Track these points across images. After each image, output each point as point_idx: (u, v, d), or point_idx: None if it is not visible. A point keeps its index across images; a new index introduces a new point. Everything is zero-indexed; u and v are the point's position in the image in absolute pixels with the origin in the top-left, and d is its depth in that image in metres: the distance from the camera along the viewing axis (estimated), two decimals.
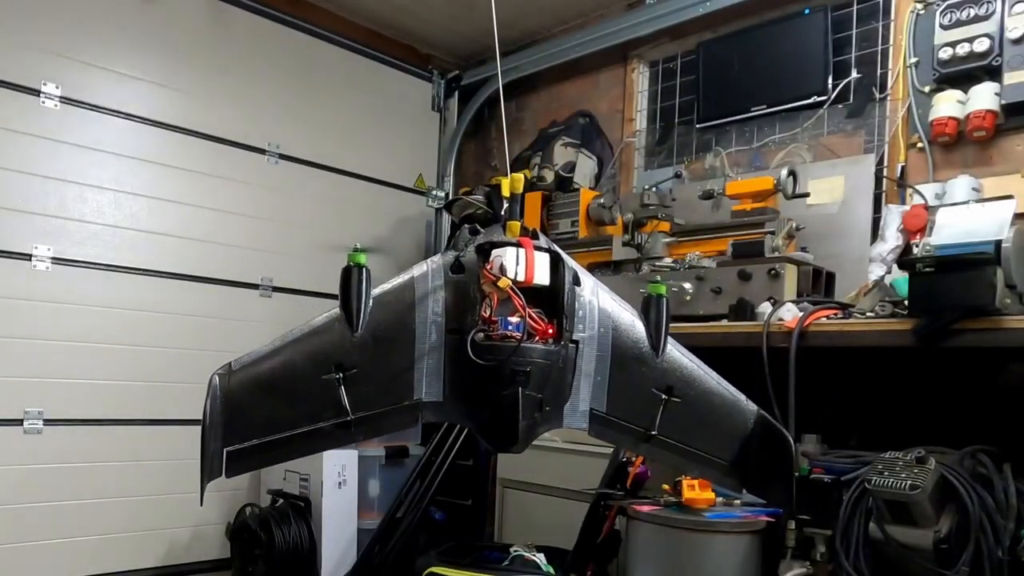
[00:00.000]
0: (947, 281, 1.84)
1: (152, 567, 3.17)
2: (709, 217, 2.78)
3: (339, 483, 3.09)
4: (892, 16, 2.74)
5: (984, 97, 2.43)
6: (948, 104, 2.50)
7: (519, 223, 1.33)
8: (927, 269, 1.87)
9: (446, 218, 4.10)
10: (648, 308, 1.41)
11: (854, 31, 2.85)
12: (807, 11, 2.93)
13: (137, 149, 3.14)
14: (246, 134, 3.45)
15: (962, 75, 2.50)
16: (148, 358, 3.15)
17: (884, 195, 2.68)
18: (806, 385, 2.05)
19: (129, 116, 3.12)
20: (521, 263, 1.26)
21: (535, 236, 1.34)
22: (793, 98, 2.95)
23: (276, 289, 3.53)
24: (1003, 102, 2.40)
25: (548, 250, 1.33)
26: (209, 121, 3.34)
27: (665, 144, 3.45)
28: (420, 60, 4.17)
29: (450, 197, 4.14)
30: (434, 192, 4.16)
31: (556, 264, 1.32)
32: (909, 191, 2.55)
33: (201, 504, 1.28)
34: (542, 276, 1.29)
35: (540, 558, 2.35)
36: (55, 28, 2.93)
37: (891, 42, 2.74)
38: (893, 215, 2.48)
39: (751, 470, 1.47)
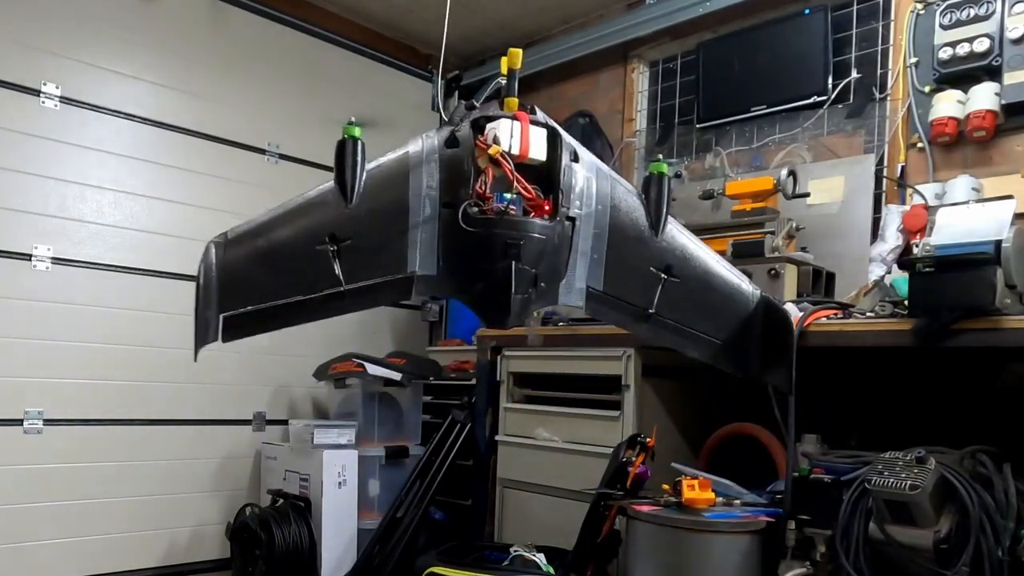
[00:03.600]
0: (947, 281, 1.84)
1: (152, 567, 3.17)
2: (709, 217, 2.77)
3: (339, 483, 3.09)
4: (892, 16, 2.74)
5: (984, 97, 2.43)
6: (948, 104, 2.50)
7: (516, 99, 1.30)
8: (927, 269, 1.87)
9: None
10: (648, 187, 1.40)
11: (854, 31, 2.85)
12: (807, 11, 2.94)
13: (137, 149, 3.14)
14: (246, 134, 3.46)
15: (962, 75, 2.51)
16: (148, 358, 3.15)
17: (884, 195, 2.68)
18: (806, 385, 2.05)
19: (129, 116, 3.12)
20: (516, 135, 1.25)
21: (532, 111, 1.32)
22: (793, 98, 2.95)
23: None
24: (1003, 102, 2.41)
25: (545, 125, 1.31)
26: (209, 121, 3.34)
27: (665, 144, 3.45)
28: (420, 60, 4.17)
29: None
30: None
31: (554, 140, 1.30)
32: (909, 191, 2.55)
33: (195, 359, 1.27)
34: (538, 151, 1.27)
35: (540, 558, 2.35)
36: (55, 28, 2.93)
37: (891, 42, 2.74)
38: (893, 215, 2.48)
39: (751, 352, 1.47)
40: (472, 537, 2.95)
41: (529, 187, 1.25)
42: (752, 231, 2.54)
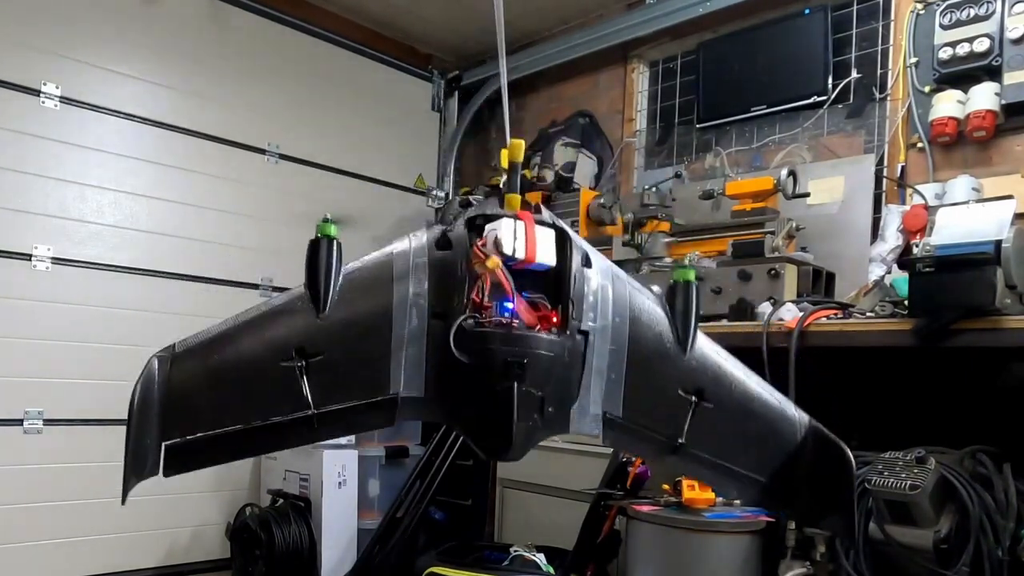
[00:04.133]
0: (947, 281, 1.84)
1: (152, 567, 3.17)
2: (709, 217, 2.78)
3: (339, 483, 3.09)
4: (892, 16, 2.74)
5: (984, 97, 2.43)
6: (948, 104, 2.50)
7: (519, 196, 1.14)
8: (927, 269, 1.87)
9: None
10: (674, 297, 1.21)
11: (854, 31, 2.85)
12: (807, 11, 2.93)
13: (137, 149, 3.14)
14: (246, 134, 3.45)
15: (962, 75, 2.50)
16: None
17: (884, 195, 2.68)
18: (806, 385, 2.05)
19: (129, 116, 3.12)
20: (520, 238, 1.08)
21: (537, 210, 1.15)
22: (793, 98, 2.95)
23: (276, 289, 3.53)
24: (1003, 102, 2.40)
25: (553, 225, 1.14)
26: (209, 121, 3.34)
27: (665, 144, 3.46)
28: (420, 60, 4.17)
29: (450, 197, 4.15)
30: (434, 192, 4.16)
31: (562, 242, 1.14)
32: (909, 191, 2.55)
33: (123, 503, 1.12)
34: (545, 255, 1.11)
35: (540, 558, 2.35)
36: (55, 28, 2.93)
37: (891, 42, 2.74)
38: (893, 215, 2.48)
39: (800, 492, 1.25)
40: (472, 537, 2.95)
41: (537, 302, 1.09)
42: (752, 231, 2.54)
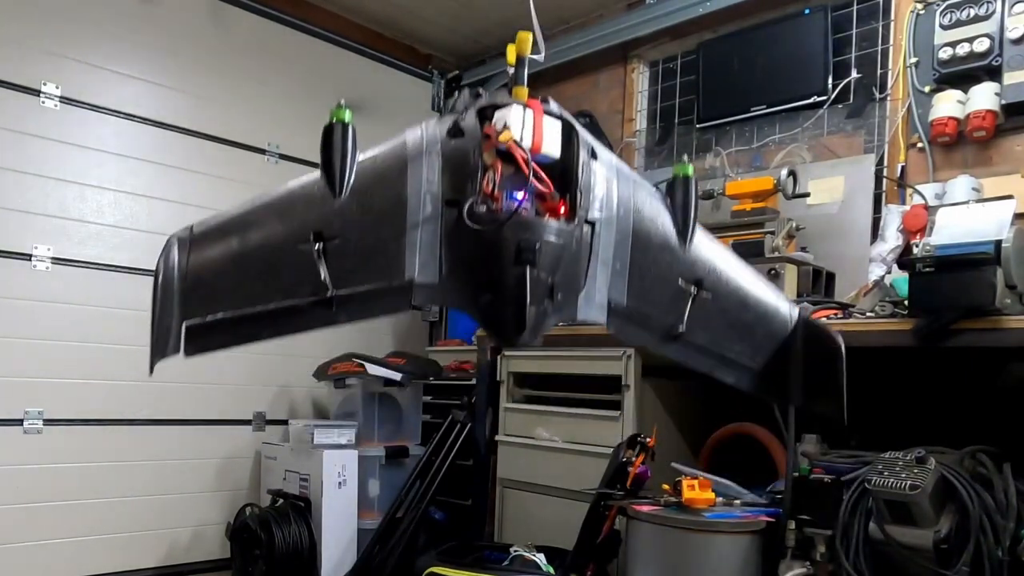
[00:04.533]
0: (947, 281, 1.84)
1: (152, 567, 3.17)
2: (709, 217, 2.77)
3: (339, 483, 3.09)
4: (892, 16, 2.74)
5: (984, 97, 2.43)
6: (948, 104, 2.50)
7: (526, 88, 1.16)
8: (927, 269, 1.87)
9: None
10: (674, 190, 1.25)
11: (854, 31, 2.85)
12: (807, 11, 2.93)
13: (137, 149, 3.14)
14: (246, 134, 3.45)
15: (962, 75, 2.50)
16: (148, 358, 3.14)
17: (884, 195, 2.68)
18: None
19: (129, 116, 3.12)
20: (528, 126, 1.11)
21: (545, 101, 1.18)
22: (793, 98, 2.95)
23: None
24: (1003, 102, 2.40)
25: (560, 117, 1.17)
26: (209, 121, 3.34)
27: (665, 144, 3.46)
28: (420, 60, 4.17)
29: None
30: None
31: (569, 134, 1.17)
32: (909, 191, 2.55)
33: (151, 373, 1.13)
34: (551, 145, 1.14)
35: (540, 558, 2.35)
36: (55, 28, 2.93)
37: (891, 42, 2.74)
38: (893, 215, 2.48)
39: (793, 378, 1.30)
40: (472, 537, 2.95)
41: (547, 179, 1.11)
42: (752, 231, 2.55)
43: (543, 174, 1.10)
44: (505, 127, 1.10)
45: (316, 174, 1.15)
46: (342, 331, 3.71)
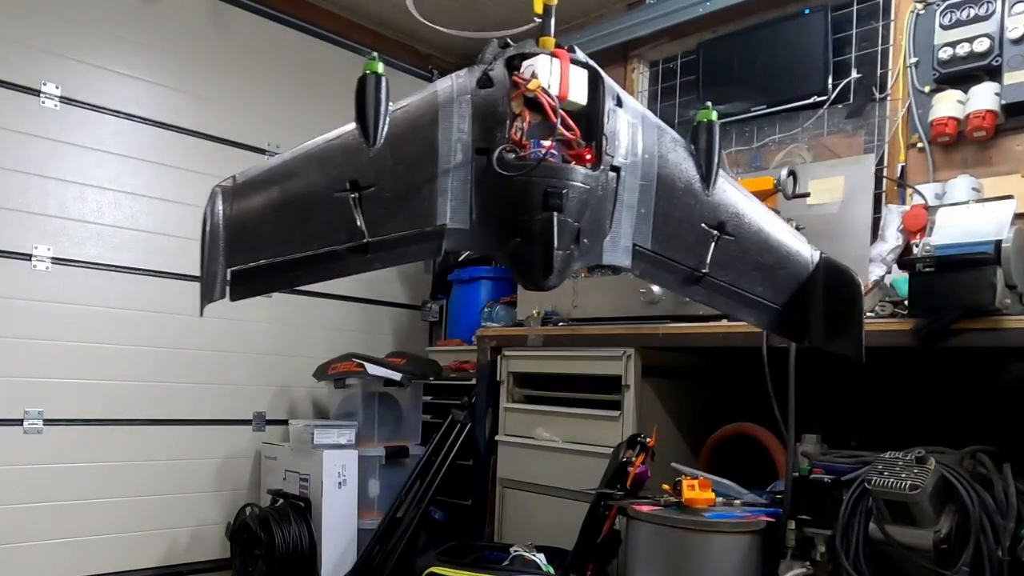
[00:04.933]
0: (947, 281, 1.84)
1: (152, 567, 3.17)
2: None
3: (339, 483, 3.09)
4: (892, 16, 2.74)
5: (984, 97, 2.43)
6: (948, 104, 2.50)
7: (552, 39, 1.20)
8: (927, 269, 1.87)
9: None
10: (697, 136, 1.28)
11: (854, 31, 2.85)
12: (807, 11, 2.93)
13: (137, 149, 3.14)
14: (246, 134, 3.45)
15: (962, 75, 2.50)
16: (148, 358, 3.15)
17: (884, 195, 2.68)
18: (806, 385, 2.05)
19: (129, 116, 3.12)
20: (555, 74, 1.14)
21: (571, 50, 1.21)
22: (793, 98, 2.95)
23: None
24: (1003, 102, 2.40)
25: (586, 65, 1.20)
26: (209, 121, 3.34)
27: None
28: (420, 60, 4.17)
29: None
30: None
31: (595, 82, 1.20)
32: (909, 191, 2.55)
33: (201, 314, 1.17)
34: (578, 93, 1.17)
35: (540, 558, 2.35)
36: (55, 28, 2.93)
37: (891, 42, 2.74)
38: (893, 215, 2.48)
39: (812, 318, 1.33)
40: (472, 537, 2.95)
41: (574, 126, 1.13)
42: None
43: (570, 121, 1.13)
44: (533, 76, 1.12)
45: (351, 125, 1.17)
46: (342, 331, 3.72)
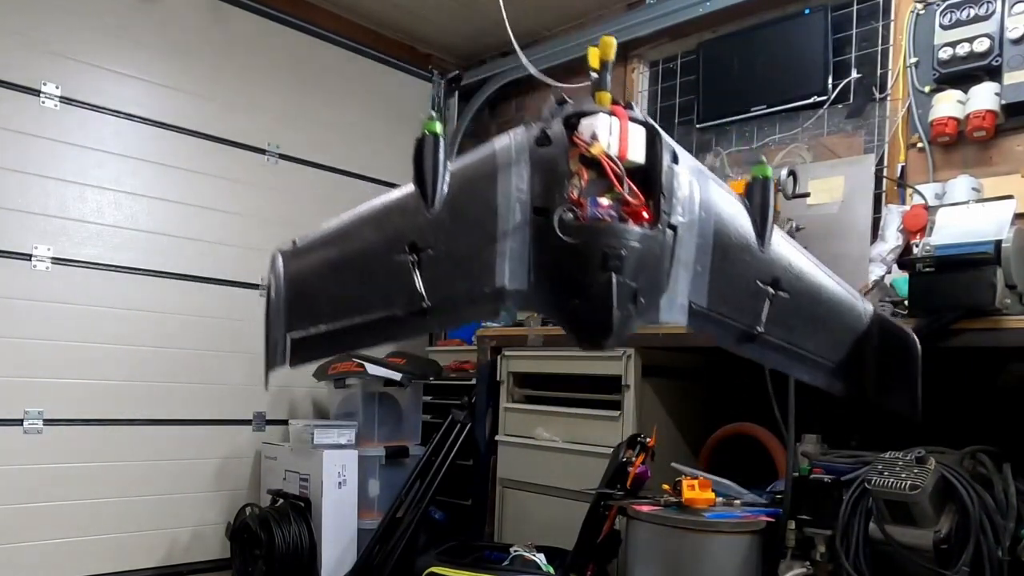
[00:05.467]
0: (947, 281, 1.84)
1: (152, 567, 3.17)
2: None
3: (339, 483, 3.09)
4: (892, 16, 2.74)
5: (984, 97, 2.43)
6: (948, 104, 2.50)
7: (609, 94, 1.18)
8: (927, 269, 1.87)
9: None
10: (752, 192, 1.28)
11: (854, 31, 2.85)
12: (807, 11, 2.93)
13: (137, 149, 3.14)
14: (246, 134, 3.45)
15: (962, 75, 2.50)
16: (148, 358, 3.15)
17: (884, 195, 2.68)
18: (806, 385, 2.05)
19: (129, 116, 3.12)
20: (615, 133, 1.13)
21: (629, 107, 1.19)
22: (793, 98, 2.95)
23: None
24: (1003, 102, 2.40)
25: (644, 123, 1.19)
26: (209, 121, 3.34)
27: None
28: (420, 60, 4.17)
29: None
30: None
31: (652, 139, 1.19)
32: (909, 191, 2.55)
33: (266, 388, 1.21)
34: (636, 151, 1.16)
35: (540, 558, 2.35)
36: (55, 28, 2.93)
37: (891, 42, 2.74)
38: (893, 215, 2.48)
39: (866, 373, 1.32)
40: (472, 537, 2.95)
41: (637, 191, 1.13)
42: None
43: (635, 187, 1.12)
44: (594, 137, 1.12)
45: (410, 186, 1.16)
46: None
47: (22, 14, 2.85)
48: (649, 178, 1.17)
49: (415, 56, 4.14)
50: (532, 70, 3.50)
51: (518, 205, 1.15)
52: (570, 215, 1.11)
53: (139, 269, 3.14)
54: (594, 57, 1.20)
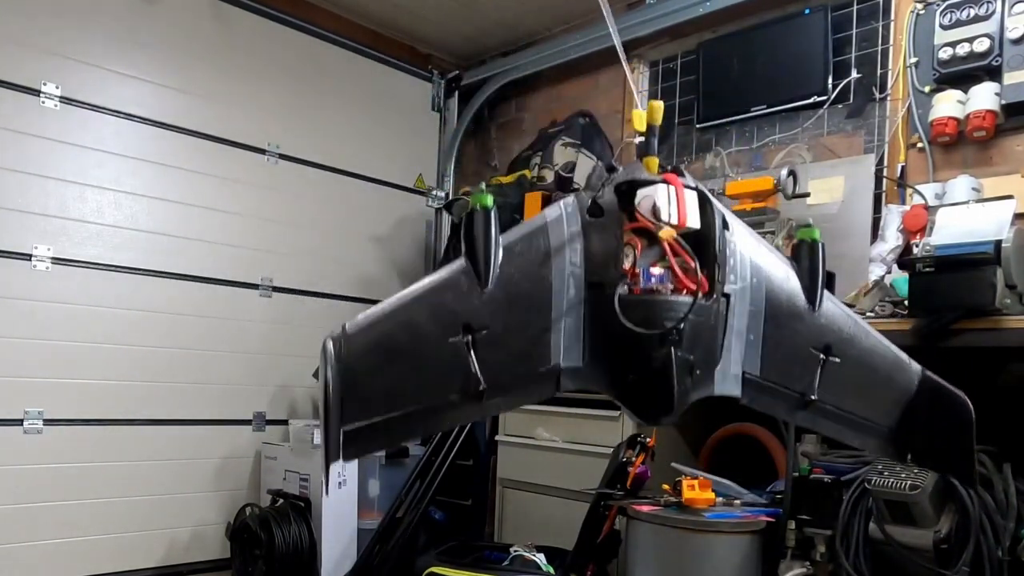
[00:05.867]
0: (947, 281, 1.84)
1: (152, 567, 3.17)
2: None
3: (339, 483, 3.09)
4: (892, 16, 2.74)
5: (984, 97, 2.42)
6: (948, 104, 2.50)
7: (656, 159, 1.13)
8: (927, 269, 1.87)
9: (446, 218, 4.11)
10: (800, 254, 1.24)
11: (854, 31, 2.85)
12: (807, 11, 2.93)
13: (137, 149, 3.14)
14: (246, 134, 3.45)
15: (962, 75, 2.50)
16: (148, 358, 3.15)
17: (884, 195, 2.68)
18: None
19: (129, 116, 3.12)
20: (673, 203, 1.08)
21: (679, 173, 1.14)
22: (793, 98, 2.95)
23: (276, 289, 3.53)
24: (1003, 102, 2.40)
25: (696, 189, 1.15)
26: (209, 121, 3.34)
27: (665, 144, 3.45)
28: (420, 60, 4.17)
29: (450, 197, 4.15)
30: (434, 192, 4.16)
31: (703, 205, 1.14)
32: (909, 191, 2.55)
33: (326, 492, 1.11)
34: (693, 218, 1.11)
35: (540, 558, 2.35)
36: (55, 28, 2.93)
37: (891, 42, 2.74)
38: (893, 215, 2.48)
39: (917, 437, 1.28)
40: (472, 537, 2.95)
41: (703, 278, 1.09)
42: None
43: (699, 271, 1.08)
44: (655, 211, 1.07)
45: (461, 263, 1.11)
46: None
47: (23, 14, 2.85)
48: (701, 245, 1.13)
49: (415, 56, 4.14)
50: None
51: (572, 280, 1.11)
52: (625, 289, 1.07)
53: (139, 269, 3.14)
54: (640, 120, 1.15)
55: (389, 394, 1.09)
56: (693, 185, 1.14)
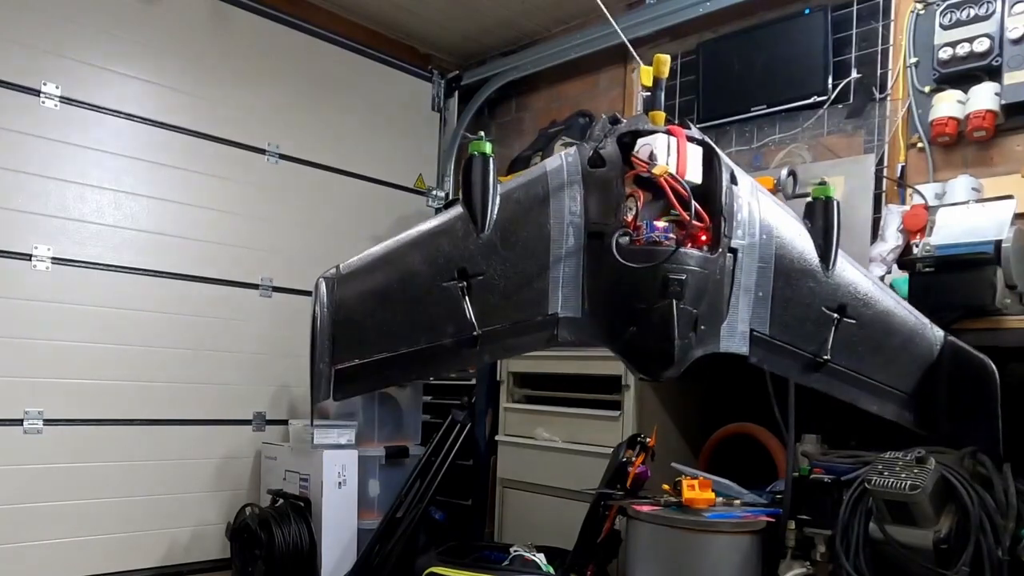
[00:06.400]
0: (947, 281, 1.84)
1: (152, 567, 3.17)
2: None
3: (339, 483, 3.09)
4: (892, 16, 2.74)
5: (984, 97, 2.43)
6: (948, 104, 2.50)
7: (663, 113, 1.12)
8: (927, 269, 1.87)
9: None
10: (814, 214, 1.22)
11: (854, 31, 2.85)
12: (807, 11, 2.93)
13: (137, 149, 3.14)
14: (246, 134, 3.45)
15: (962, 75, 2.50)
16: (148, 358, 3.15)
17: (884, 195, 2.68)
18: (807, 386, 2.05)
19: (129, 116, 3.12)
20: (673, 153, 1.07)
21: (686, 126, 1.14)
22: (793, 98, 2.95)
23: (276, 289, 3.53)
24: (1003, 102, 2.40)
25: (701, 142, 1.13)
26: (209, 121, 3.34)
27: None
28: (420, 60, 4.17)
29: (450, 197, 4.14)
30: (434, 192, 4.16)
31: (709, 159, 1.13)
32: (909, 191, 2.55)
33: (311, 423, 1.12)
34: (694, 172, 1.10)
35: (540, 558, 2.35)
36: (55, 28, 2.93)
37: (891, 42, 2.74)
38: (893, 215, 2.48)
39: (939, 406, 1.26)
40: (472, 537, 2.95)
41: (704, 216, 1.07)
42: None
43: (702, 211, 1.06)
44: (652, 158, 1.07)
45: (458, 209, 1.11)
46: None
47: (22, 14, 2.85)
48: (706, 199, 1.11)
49: (415, 56, 4.14)
50: None
51: (572, 229, 1.10)
52: (626, 238, 1.06)
53: (139, 269, 3.14)
54: (646, 75, 1.15)
55: (382, 335, 1.09)
56: (699, 139, 1.13)
